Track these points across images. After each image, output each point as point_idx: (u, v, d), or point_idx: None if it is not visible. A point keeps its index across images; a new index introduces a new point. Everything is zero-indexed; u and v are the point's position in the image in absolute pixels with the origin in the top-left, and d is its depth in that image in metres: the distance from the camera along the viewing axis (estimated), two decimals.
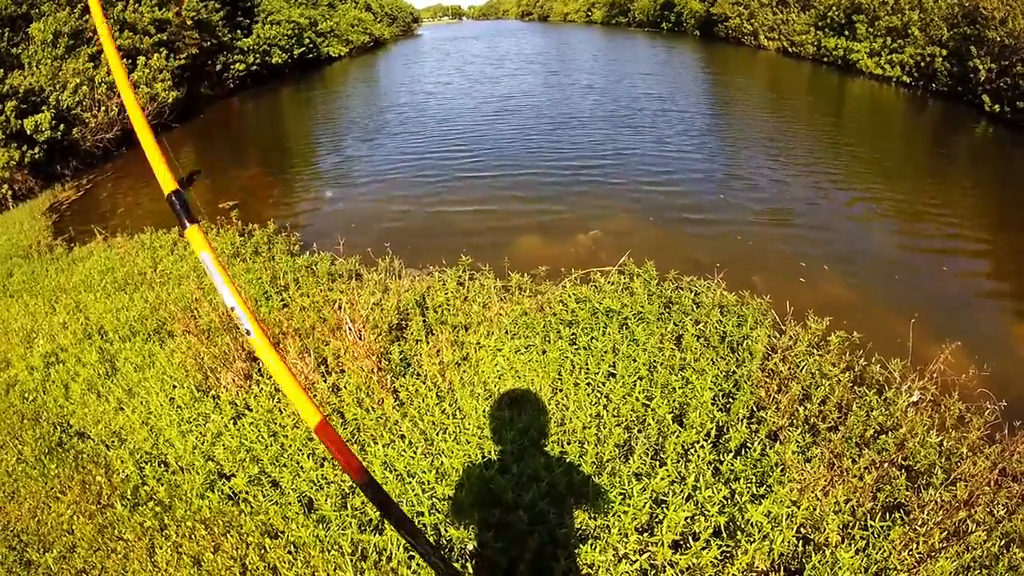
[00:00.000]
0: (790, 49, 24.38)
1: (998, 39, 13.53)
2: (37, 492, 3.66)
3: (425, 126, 14.67)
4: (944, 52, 15.42)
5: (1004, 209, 8.27)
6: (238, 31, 24.78)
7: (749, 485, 3.03)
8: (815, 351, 4.22)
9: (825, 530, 2.81)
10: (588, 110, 14.99)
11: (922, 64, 16.39)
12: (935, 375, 3.85)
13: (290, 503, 3.13)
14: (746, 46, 28.12)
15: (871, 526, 2.84)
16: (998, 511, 3.00)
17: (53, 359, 5.03)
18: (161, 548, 3.04)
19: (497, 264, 5.68)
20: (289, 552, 2.89)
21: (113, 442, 3.98)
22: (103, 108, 14.04)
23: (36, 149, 11.73)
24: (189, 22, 19.63)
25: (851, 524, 2.89)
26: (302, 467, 3.30)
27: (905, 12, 17.58)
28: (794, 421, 3.58)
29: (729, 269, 5.34)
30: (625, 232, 7.39)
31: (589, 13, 60.01)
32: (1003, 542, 2.85)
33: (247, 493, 3.27)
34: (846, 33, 20.74)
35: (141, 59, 16.04)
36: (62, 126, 12.41)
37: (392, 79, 26.22)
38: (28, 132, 11.65)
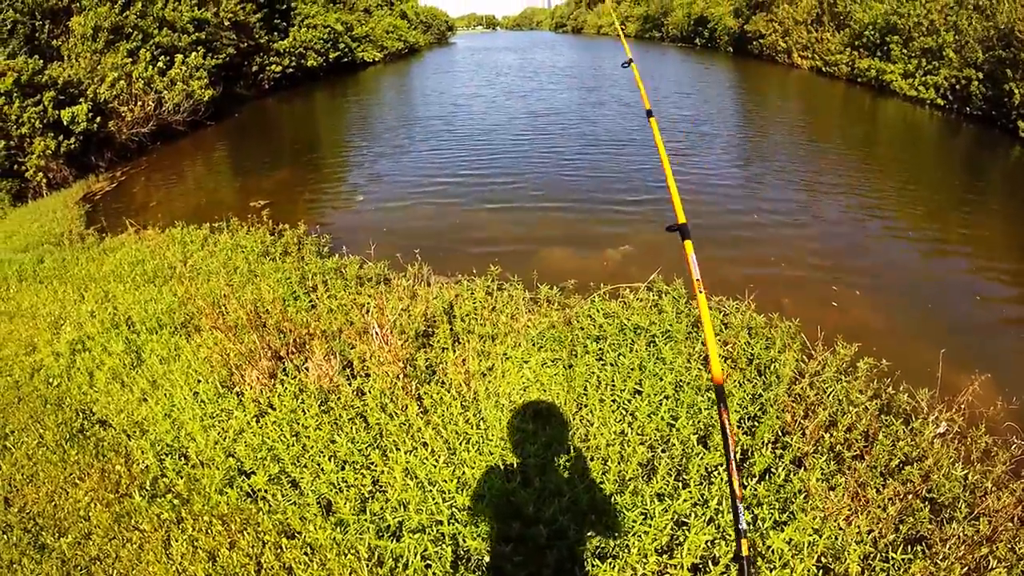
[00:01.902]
0: (823, 68, 24.14)
1: None
2: (56, 477, 3.69)
3: (456, 136, 14.73)
4: (979, 75, 15.13)
5: None
6: (275, 33, 25.18)
7: (772, 511, 2.96)
8: (843, 377, 4.13)
9: (846, 560, 2.74)
10: (621, 127, 14.93)
11: (956, 87, 16.10)
12: (963, 406, 3.77)
13: (308, 504, 3.11)
14: (779, 64, 27.91)
15: (892, 558, 2.78)
16: (1020, 548, 2.91)
17: (79, 346, 5.09)
18: (177, 541, 3.03)
19: (525, 275, 5.65)
20: (305, 553, 2.87)
21: (135, 432, 4.00)
22: (139, 103, 14.31)
23: (72, 139, 11.98)
24: (227, 23, 19.98)
25: (872, 555, 2.82)
26: (322, 468, 3.29)
27: (940, 33, 17.30)
28: (819, 448, 3.50)
29: (759, 290, 5.26)
30: (655, 248, 7.31)
31: (623, 26, 60.10)
32: None
33: (266, 491, 3.26)
34: (879, 54, 20.48)
35: (179, 57, 16.33)
36: (98, 118, 12.68)
37: (425, 87, 26.41)
38: (65, 123, 11.91)
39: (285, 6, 26.71)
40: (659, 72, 27.39)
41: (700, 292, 1.93)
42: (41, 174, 11.45)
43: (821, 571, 2.73)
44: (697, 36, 40.81)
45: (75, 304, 5.93)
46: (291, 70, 25.99)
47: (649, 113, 2.91)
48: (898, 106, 17.91)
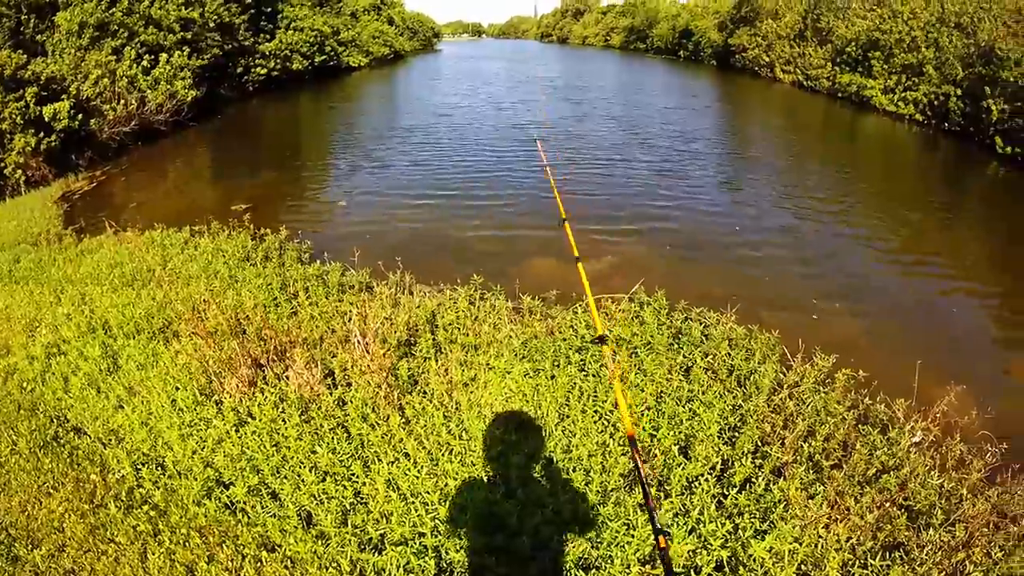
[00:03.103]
0: (805, 83, 24.51)
1: (1012, 80, 13.56)
2: (29, 486, 3.60)
3: (440, 145, 14.72)
4: (958, 91, 15.46)
5: (1012, 252, 8.25)
6: (261, 35, 25.02)
7: (753, 520, 3.00)
8: (821, 388, 4.18)
9: (826, 567, 2.78)
10: (606, 140, 15.00)
11: (935, 103, 16.43)
12: (938, 416, 3.85)
13: (289, 516, 3.07)
14: (762, 78, 28.28)
15: (871, 565, 2.82)
16: (995, 553, 2.98)
17: (55, 350, 4.99)
18: (154, 554, 2.98)
19: (508, 285, 5.66)
20: (286, 567, 2.83)
21: (110, 440, 3.93)
22: (122, 101, 14.14)
23: (53, 137, 11.80)
24: (212, 23, 19.82)
25: (851, 562, 2.87)
26: (303, 480, 3.25)
27: (921, 50, 17.67)
28: (798, 458, 3.54)
29: (740, 302, 5.31)
30: (637, 260, 7.36)
31: (608, 38, 60.55)
32: None
33: (245, 503, 3.21)
34: (860, 69, 20.84)
35: (163, 56, 16.17)
36: (80, 116, 12.50)
37: (410, 94, 26.39)
38: (46, 119, 11.73)
39: (271, 8, 26.57)
40: (645, 86, 27.62)
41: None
42: (20, 171, 11.26)
43: None
44: (681, 48, 41.24)
45: (51, 306, 5.82)
46: (276, 73, 25.83)
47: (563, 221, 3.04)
48: (878, 121, 18.22)
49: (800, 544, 2.85)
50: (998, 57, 14.41)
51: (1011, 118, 13.22)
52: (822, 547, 2.88)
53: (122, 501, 3.37)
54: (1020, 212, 10.04)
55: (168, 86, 15.93)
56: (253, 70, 24.33)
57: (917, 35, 18.23)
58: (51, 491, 3.54)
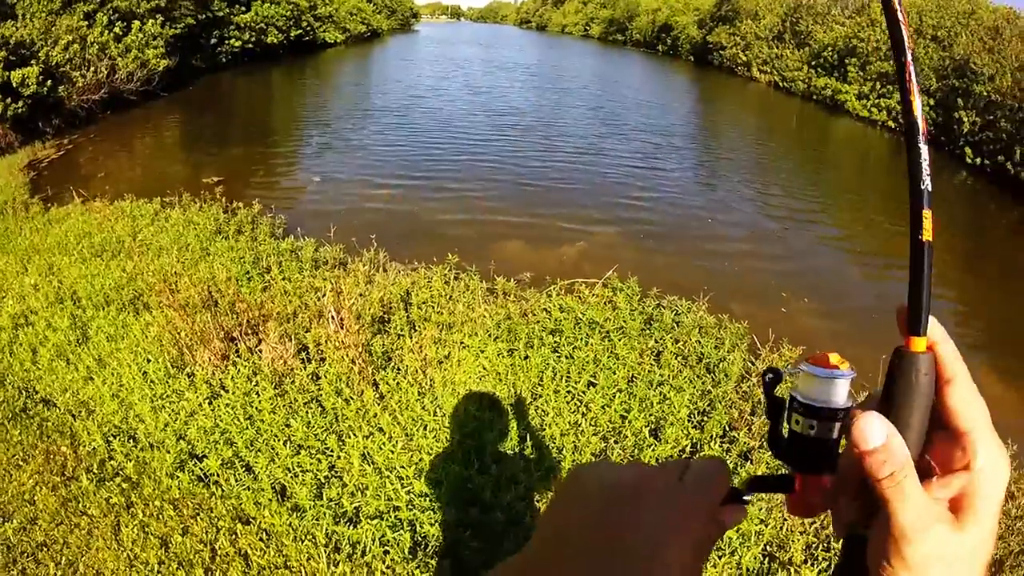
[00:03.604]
0: (781, 84, 24.83)
1: (985, 94, 13.94)
2: None
3: (415, 124, 14.62)
4: (931, 102, 15.85)
5: (977, 259, 8.55)
6: (236, 6, 24.42)
7: None
8: (788, 377, 4.30)
9: (790, 549, 2.88)
10: (582, 129, 15.04)
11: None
12: None
13: (263, 489, 3.08)
14: (738, 76, 28.56)
15: (834, 547, 2.93)
16: None
17: (22, 321, 4.88)
18: (127, 526, 2.96)
19: (482, 266, 5.70)
20: (261, 539, 2.85)
21: (80, 412, 3.88)
22: (92, 69, 13.74)
23: (20, 103, 11.42)
24: None
25: (815, 545, 2.98)
26: (277, 453, 3.26)
27: (904, 9, 18.04)
28: (764, 443, 3.66)
29: (710, 292, 5.43)
30: (611, 247, 7.45)
31: (587, 28, 60.43)
32: None
33: (219, 476, 3.21)
34: (836, 74, 21.19)
35: (136, 23, 15.73)
36: (49, 82, 12.11)
37: (386, 74, 26.07)
38: (14, 85, 11.34)
39: None
40: (624, 79, 27.69)
41: None
42: None
43: (767, 559, 2.87)
44: (660, 43, 41.35)
45: (17, 276, 5.68)
46: (250, 46, 25.26)
47: None
48: (850, 125, 18.59)
49: (766, 526, 2.96)
50: (972, 71, 14.79)
51: (981, 131, 13.61)
52: (787, 529, 2.99)
53: (94, 473, 3.34)
54: (985, 222, 10.41)
55: (139, 54, 15.49)
56: (227, 42, 23.77)
57: None
58: (20, 463, 3.49)
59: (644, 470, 0.53)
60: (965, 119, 14.07)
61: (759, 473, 2.97)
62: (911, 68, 0.53)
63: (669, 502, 0.49)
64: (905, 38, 0.53)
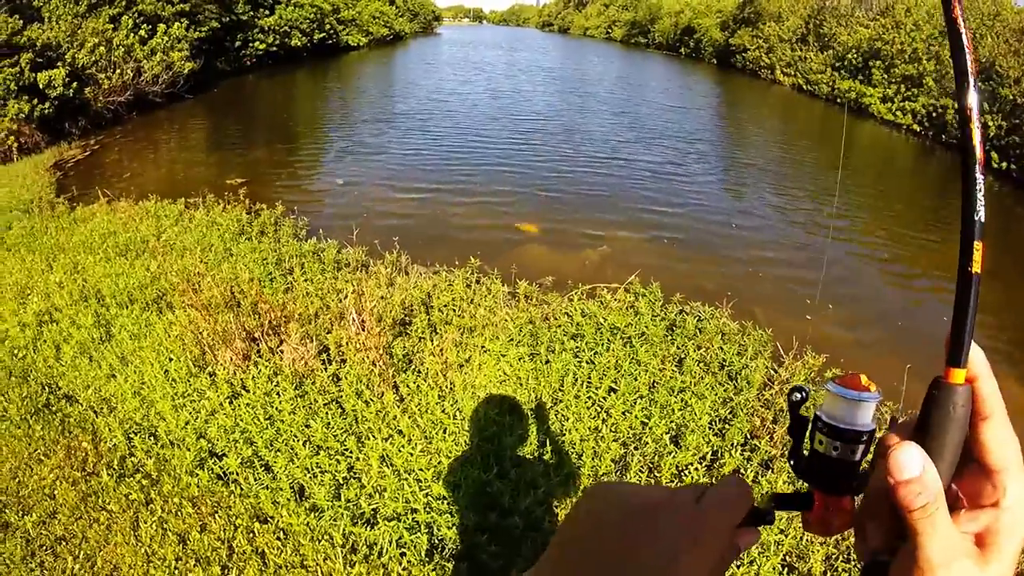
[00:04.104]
0: (804, 87, 24.56)
1: (1011, 97, 13.68)
2: (20, 452, 3.58)
3: (438, 129, 14.65)
4: (956, 105, 15.57)
5: (1003, 265, 8.35)
6: (261, 9, 24.71)
7: None
8: (811, 385, 4.24)
9: (810, 560, 2.82)
10: (605, 133, 14.97)
11: (933, 115, 16.55)
12: None
13: (282, 489, 3.09)
14: (761, 79, 28.31)
15: (853, 560, 2.87)
16: None
17: (46, 318, 4.96)
18: (146, 523, 2.98)
19: (504, 270, 5.68)
20: (278, 538, 2.85)
21: (102, 409, 3.92)
22: (118, 71, 13.97)
23: (47, 104, 11.66)
24: None
25: (835, 556, 2.92)
26: (296, 453, 3.26)
27: (922, 62, 17.76)
28: (786, 452, 3.58)
29: (734, 298, 5.37)
30: (634, 252, 7.40)
31: (609, 30, 60.26)
32: None
33: (238, 474, 3.22)
34: (860, 77, 20.91)
35: (161, 27, 15.97)
36: (75, 84, 12.34)
37: (408, 78, 26.14)
38: (41, 86, 11.57)
39: None
40: (647, 82, 27.55)
41: None
42: (13, 138, 11.11)
43: (786, 569, 2.81)
44: (682, 45, 41.11)
45: (43, 274, 5.77)
46: (274, 49, 25.55)
47: None
48: (875, 129, 18.32)
49: (786, 536, 2.90)
50: (998, 74, 14.52)
51: (1007, 135, 13.34)
52: (807, 540, 2.93)
53: (114, 469, 3.36)
54: (1011, 228, 10.19)
55: (165, 57, 15.73)
56: (251, 45, 24.07)
57: (919, 47, 18.31)
58: (42, 458, 3.53)
59: (662, 491, 0.54)
60: (991, 123, 13.80)
61: (778, 490, 2.93)
62: (972, 98, 0.52)
63: (686, 520, 0.50)
64: (970, 66, 0.52)
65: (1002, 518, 0.48)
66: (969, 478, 0.50)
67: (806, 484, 0.57)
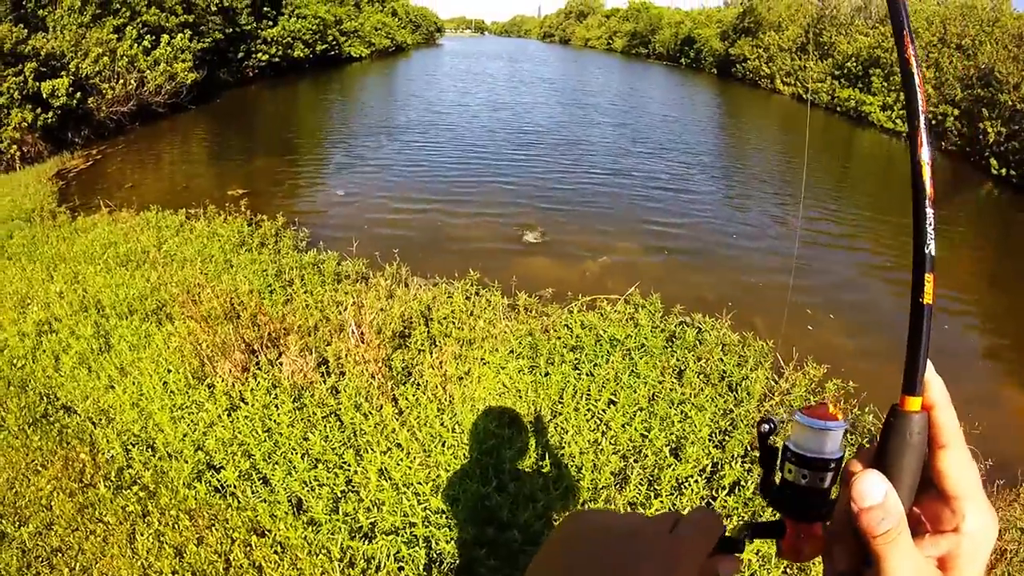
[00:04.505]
0: (804, 96, 24.64)
1: (1010, 103, 13.70)
2: (17, 463, 3.58)
3: (439, 141, 14.67)
4: (956, 112, 15.58)
5: (1003, 271, 8.36)
6: (264, 20, 24.86)
7: (741, 522, 3.01)
8: (811, 397, 4.23)
9: (811, 571, 2.81)
10: (606, 144, 15.00)
11: (933, 122, 16.54)
12: None
13: (279, 502, 3.07)
14: (761, 88, 28.40)
15: None
16: None
17: (46, 328, 4.96)
18: (143, 535, 2.96)
19: (504, 282, 5.68)
20: (276, 552, 2.83)
21: (100, 420, 3.91)
22: (121, 81, 14.04)
23: (50, 114, 11.71)
24: (214, 7, 19.70)
25: None
26: (295, 466, 3.25)
27: (921, 70, 17.83)
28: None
29: (734, 309, 5.36)
30: (634, 263, 7.40)
31: (610, 41, 60.51)
32: None
33: (236, 487, 3.21)
34: (860, 85, 20.97)
35: (165, 37, 16.07)
36: (79, 94, 12.41)
37: (410, 89, 26.21)
38: (44, 96, 11.63)
39: None
40: (648, 93, 27.62)
41: None
42: (15, 147, 11.16)
43: None
44: (683, 56, 41.28)
45: (43, 283, 5.78)
46: (277, 60, 25.68)
47: None
48: (875, 137, 18.35)
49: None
50: (997, 80, 14.54)
51: (1007, 140, 13.35)
52: None
53: (111, 481, 3.35)
54: (1011, 234, 10.18)
55: (168, 68, 15.81)
56: (254, 55, 24.20)
57: (918, 55, 18.38)
58: (40, 468, 3.52)
59: (639, 519, 0.56)
60: (990, 129, 13.82)
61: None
62: (923, 134, 0.54)
63: (661, 547, 0.51)
64: (920, 103, 0.55)
65: (963, 543, 0.50)
66: (931, 504, 0.52)
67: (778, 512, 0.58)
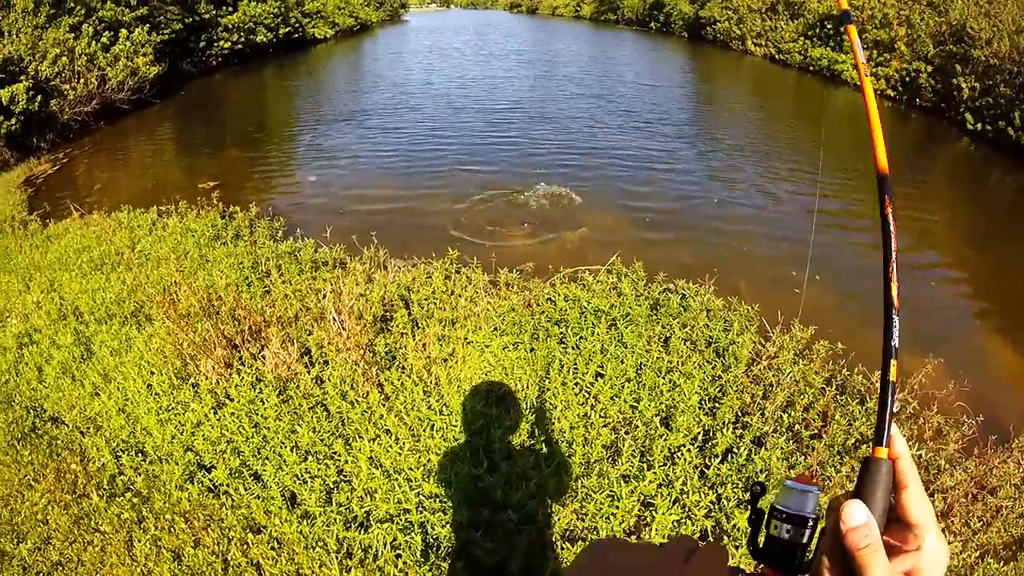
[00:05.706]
0: (776, 56, 24.52)
1: (983, 59, 13.71)
2: (10, 479, 3.55)
3: (410, 118, 14.45)
4: (929, 68, 15.59)
5: (983, 227, 8.43)
6: (223, 7, 24.22)
7: (735, 490, 3.06)
8: (800, 359, 4.26)
9: None
10: (579, 111, 14.88)
11: (907, 79, 16.56)
12: (916, 388, 3.94)
13: (272, 497, 3.07)
14: (733, 50, 28.20)
15: None
16: (974, 523, 3.07)
17: (26, 340, 4.88)
18: (140, 541, 2.95)
19: (484, 258, 5.66)
20: (272, 548, 2.84)
21: (88, 429, 3.88)
22: (82, 80, 13.66)
23: (12, 120, 11.38)
24: None
25: None
26: (285, 460, 3.24)
27: (893, 27, 17.77)
28: (778, 428, 3.61)
29: (718, 274, 5.37)
30: (614, 232, 7.38)
31: (578, 8, 59.68)
32: (978, 553, 2.92)
33: (228, 486, 3.20)
34: (832, 44, 20.91)
35: (123, 32, 15.62)
36: (39, 97, 12.04)
37: (377, 67, 25.77)
38: (4, 103, 11.29)
39: None
40: (620, 59, 27.38)
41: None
42: None
43: None
44: (652, 20, 40.82)
45: (20, 295, 5.67)
46: (240, 46, 25.06)
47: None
48: (848, 95, 18.34)
49: None
50: (969, 36, 14.54)
51: (981, 96, 13.39)
52: None
53: (104, 489, 3.33)
54: (988, 189, 10.27)
55: (128, 63, 15.37)
56: (216, 44, 23.57)
57: (889, 12, 18.30)
58: (32, 483, 3.49)
59: (654, 553, 0.73)
60: (964, 85, 13.84)
61: (772, 467, 2.98)
62: (894, 268, 0.80)
63: None
64: (893, 248, 0.80)
65: (924, 559, 0.65)
66: (897, 531, 0.68)
67: (763, 566, 0.73)
